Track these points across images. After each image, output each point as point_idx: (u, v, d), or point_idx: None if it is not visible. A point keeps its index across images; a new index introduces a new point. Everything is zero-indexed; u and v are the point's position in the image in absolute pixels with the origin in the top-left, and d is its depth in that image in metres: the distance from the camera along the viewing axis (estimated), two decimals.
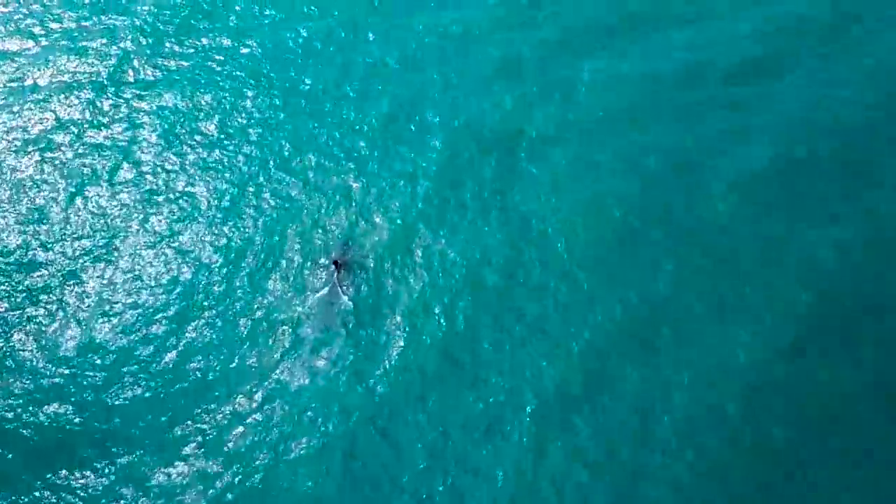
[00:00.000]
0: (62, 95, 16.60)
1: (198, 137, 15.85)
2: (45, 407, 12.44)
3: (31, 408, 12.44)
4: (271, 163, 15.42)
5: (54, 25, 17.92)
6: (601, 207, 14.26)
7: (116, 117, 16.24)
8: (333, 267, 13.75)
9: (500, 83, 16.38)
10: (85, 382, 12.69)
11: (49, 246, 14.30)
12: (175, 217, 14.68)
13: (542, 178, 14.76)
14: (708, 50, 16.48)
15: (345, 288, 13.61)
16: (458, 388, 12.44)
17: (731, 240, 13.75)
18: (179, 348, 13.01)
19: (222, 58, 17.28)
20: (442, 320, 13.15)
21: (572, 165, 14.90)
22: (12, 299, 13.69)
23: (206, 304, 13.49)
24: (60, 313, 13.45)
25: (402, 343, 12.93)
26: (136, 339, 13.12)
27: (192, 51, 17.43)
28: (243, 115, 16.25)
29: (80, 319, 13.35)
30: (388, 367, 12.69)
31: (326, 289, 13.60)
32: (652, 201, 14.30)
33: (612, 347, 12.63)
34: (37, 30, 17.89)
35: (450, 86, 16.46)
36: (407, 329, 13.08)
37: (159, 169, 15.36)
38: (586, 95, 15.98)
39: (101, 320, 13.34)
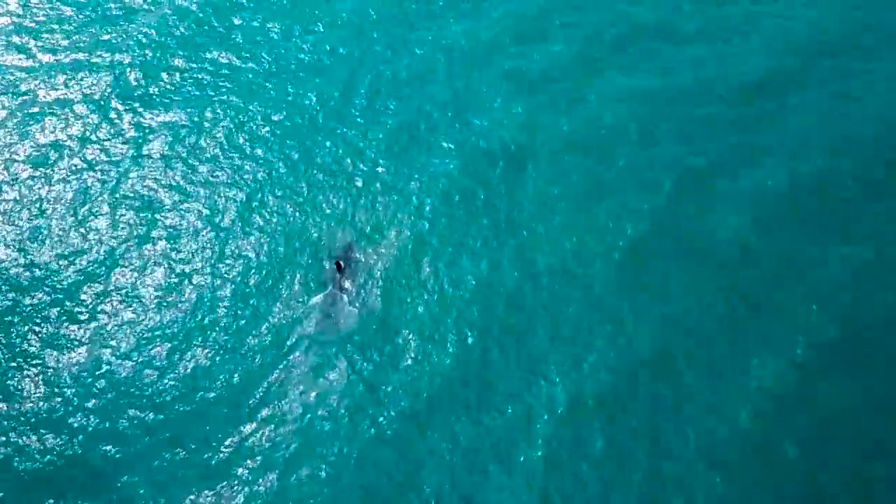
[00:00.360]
0: (63, 111, 16.43)
1: (201, 151, 15.65)
2: (43, 433, 12.06)
3: (27, 434, 12.06)
4: (276, 175, 15.21)
5: (55, 40, 17.86)
6: (612, 225, 14.01)
7: (118, 133, 16.06)
8: (335, 268, 13.58)
9: (509, 97, 16.23)
10: (84, 405, 12.32)
11: (46, 265, 14.02)
12: (177, 228, 14.45)
13: (552, 193, 14.55)
14: (719, 65, 16.36)
15: (346, 288, 13.43)
16: (464, 401, 12.14)
17: (743, 258, 13.48)
18: (181, 359, 12.70)
19: (226, 72, 17.16)
20: (449, 333, 12.87)
21: (582, 181, 14.69)
22: (8, 320, 13.38)
23: (208, 319, 13.21)
24: (58, 332, 13.15)
25: (404, 348, 12.71)
26: (138, 354, 12.80)
27: (195, 66, 17.30)
28: (248, 129, 16.08)
29: (79, 337, 13.06)
30: (393, 375, 12.41)
31: (328, 289, 13.42)
32: (663, 219, 14.06)
33: (624, 367, 12.31)
34: (38, 44, 17.82)
35: (458, 100, 16.32)
36: (410, 338, 12.84)
37: (162, 181, 15.17)
38: (596, 110, 15.81)
39: (100, 336, 13.05)
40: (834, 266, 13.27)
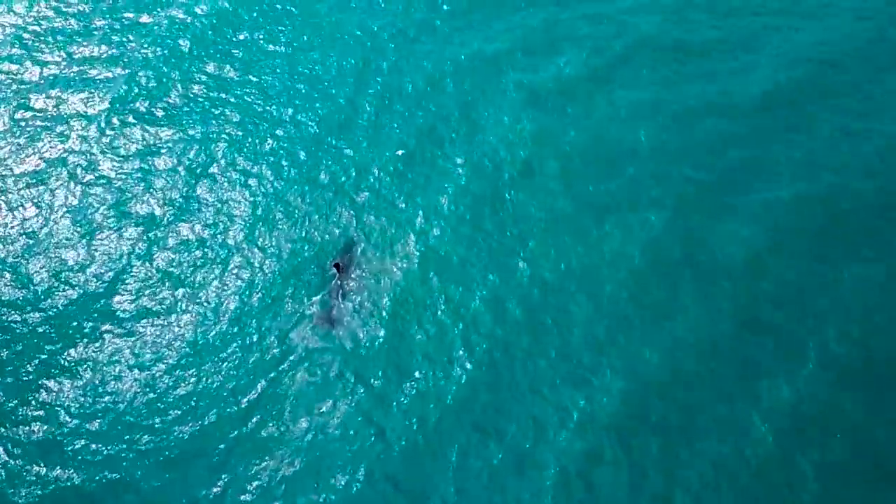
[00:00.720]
0: (64, 126, 16.37)
1: (205, 165, 15.58)
2: (39, 458, 11.89)
3: (30, 465, 11.88)
4: (280, 186, 15.10)
5: (61, 53, 17.82)
6: (621, 241, 13.82)
7: (120, 149, 15.97)
8: (335, 270, 13.49)
9: (517, 111, 16.04)
10: (83, 428, 12.18)
11: (45, 282, 13.90)
12: (180, 239, 14.41)
13: (560, 208, 14.37)
14: (728, 79, 16.13)
15: (346, 290, 13.35)
16: (472, 421, 11.96)
17: (753, 276, 13.23)
18: (181, 378, 12.58)
19: (231, 87, 17.08)
20: (455, 348, 12.70)
21: (590, 197, 14.51)
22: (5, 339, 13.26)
23: (207, 335, 13.08)
24: (56, 352, 13.02)
25: (406, 359, 12.62)
26: (138, 372, 12.69)
27: (199, 81, 17.24)
28: (252, 141, 15.96)
29: (79, 356, 12.93)
30: (396, 391, 12.26)
31: (327, 291, 13.36)
32: (672, 235, 13.84)
33: (634, 388, 12.08)
34: (43, 57, 17.78)
35: (465, 114, 16.14)
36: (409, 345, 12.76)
37: (164, 197, 15.09)
38: (604, 125, 15.61)
39: (100, 354, 12.94)
40: (846, 285, 13.02)
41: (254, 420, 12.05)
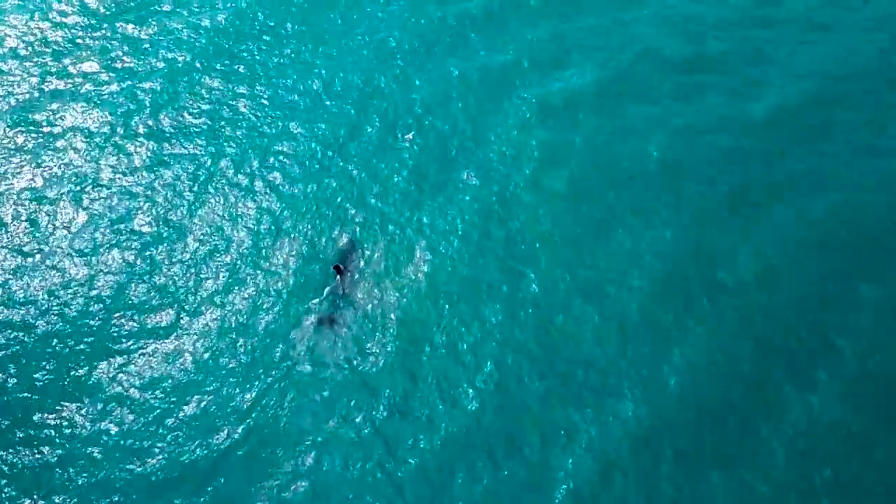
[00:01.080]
0: (68, 140, 16.14)
1: (211, 179, 15.37)
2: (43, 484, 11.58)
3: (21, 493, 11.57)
4: (286, 199, 14.92)
5: (70, 68, 17.61)
6: (633, 261, 13.49)
7: (127, 164, 15.77)
8: (336, 272, 13.39)
9: (527, 127, 15.71)
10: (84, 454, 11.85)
11: (47, 300, 13.63)
12: (187, 249, 14.25)
13: (571, 227, 14.05)
14: (743, 94, 15.85)
15: (347, 293, 13.27)
16: (483, 451, 11.60)
17: (770, 296, 12.91)
18: (183, 397, 12.38)
19: (240, 102, 16.84)
20: (463, 373, 12.42)
21: (602, 215, 14.19)
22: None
23: (209, 353, 12.84)
24: (59, 371, 12.77)
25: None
26: (143, 390, 12.44)
27: (207, 96, 17.02)
28: (259, 155, 15.74)
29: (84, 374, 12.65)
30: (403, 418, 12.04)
31: (327, 293, 13.31)
32: (686, 255, 13.53)
33: (650, 417, 11.73)
34: (42, 70, 17.60)
35: (474, 130, 15.80)
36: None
37: (167, 208, 14.91)
38: (616, 141, 15.31)
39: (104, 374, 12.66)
40: (861, 303, 12.70)
41: (255, 437, 11.82)
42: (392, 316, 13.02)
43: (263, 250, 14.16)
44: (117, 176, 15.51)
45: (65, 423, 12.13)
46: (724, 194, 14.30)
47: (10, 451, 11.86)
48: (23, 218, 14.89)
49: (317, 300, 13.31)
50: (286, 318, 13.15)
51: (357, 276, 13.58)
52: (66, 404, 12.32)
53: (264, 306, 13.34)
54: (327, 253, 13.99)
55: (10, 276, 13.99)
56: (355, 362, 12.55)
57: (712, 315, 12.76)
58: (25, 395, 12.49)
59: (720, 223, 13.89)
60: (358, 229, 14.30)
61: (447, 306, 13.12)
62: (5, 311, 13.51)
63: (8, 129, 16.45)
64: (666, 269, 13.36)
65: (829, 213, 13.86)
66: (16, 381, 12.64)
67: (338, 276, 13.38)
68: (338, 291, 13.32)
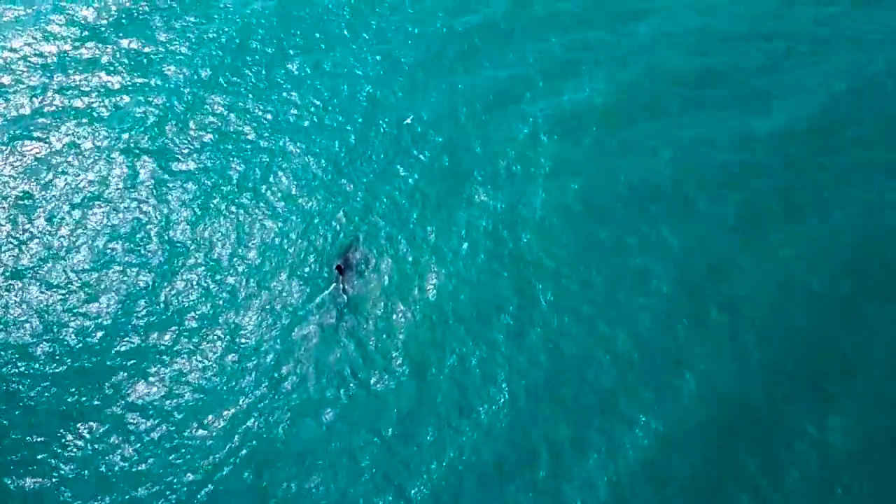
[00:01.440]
0: (74, 158, 16.05)
1: (216, 195, 15.30)
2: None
3: None
4: (294, 214, 14.84)
5: (71, 84, 17.54)
6: (647, 283, 13.25)
7: (135, 180, 15.69)
8: (337, 271, 13.58)
9: (536, 141, 15.50)
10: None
11: (60, 319, 13.54)
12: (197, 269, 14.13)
13: (582, 250, 13.82)
14: (755, 109, 15.59)
15: (347, 290, 13.45)
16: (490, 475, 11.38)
17: (783, 318, 12.62)
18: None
19: (242, 118, 16.73)
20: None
21: (615, 238, 13.92)
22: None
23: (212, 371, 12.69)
24: (67, 388, 12.64)
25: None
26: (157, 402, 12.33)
27: (216, 113, 16.92)
28: (266, 174, 15.62)
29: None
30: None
31: (329, 292, 13.51)
32: (700, 277, 13.25)
33: (662, 445, 11.46)
34: (53, 87, 17.53)
35: (483, 147, 15.61)
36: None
37: (175, 229, 14.80)
38: (627, 158, 15.04)
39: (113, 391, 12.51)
40: (883, 326, 12.37)
41: (258, 456, 11.72)
42: (399, 336, 12.87)
43: (267, 265, 14.06)
44: (120, 191, 15.40)
45: (64, 446, 11.97)
46: (736, 211, 14.06)
47: (9, 474, 11.70)
48: (22, 235, 14.75)
49: (319, 298, 13.41)
50: (288, 332, 13.10)
51: (359, 277, 13.65)
52: (66, 426, 12.17)
53: (268, 321, 13.30)
54: (332, 267, 13.90)
55: (10, 295, 13.86)
56: (360, 376, 12.50)
57: (724, 335, 12.52)
58: (23, 415, 12.36)
59: (731, 241, 13.65)
60: (361, 237, 14.27)
61: (452, 321, 12.97)
62: (4, 330, 13.36)
63: (8, 145, 16.34)
64: (676, 287, 13.13)
65: (843, 230, 13.59)
66: (14, 402, 12.51)
67: (339, 276, 13.55)
68: (339, 288, 13.50)
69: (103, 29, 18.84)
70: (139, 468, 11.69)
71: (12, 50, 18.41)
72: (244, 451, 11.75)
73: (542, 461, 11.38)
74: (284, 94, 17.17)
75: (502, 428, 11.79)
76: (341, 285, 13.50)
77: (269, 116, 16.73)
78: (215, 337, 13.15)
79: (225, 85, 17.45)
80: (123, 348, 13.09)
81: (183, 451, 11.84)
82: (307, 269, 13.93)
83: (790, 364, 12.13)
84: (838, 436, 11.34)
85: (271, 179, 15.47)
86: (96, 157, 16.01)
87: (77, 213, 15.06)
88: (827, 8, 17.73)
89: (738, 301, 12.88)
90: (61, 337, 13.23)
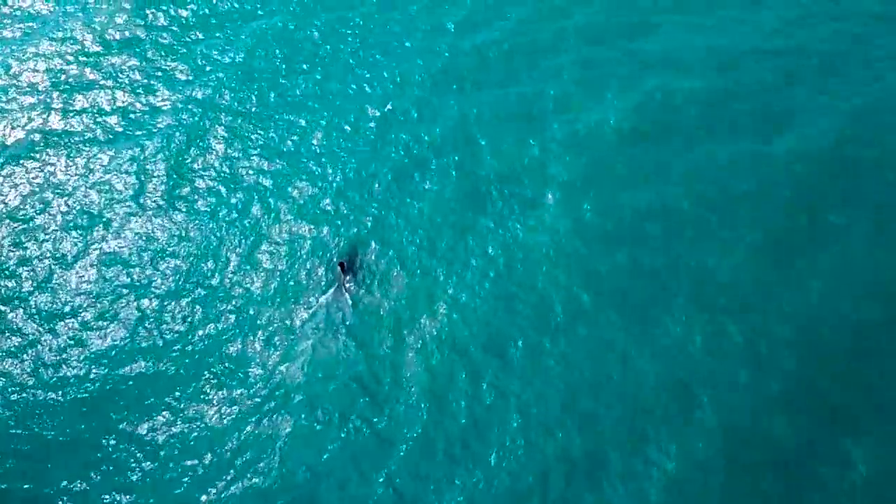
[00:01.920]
0: (79, 180, 15.92)
1: (227, 214, 15.20)
2: None
3: None
4: (301, 244, 14.64)
5: (76, 106, 17.41)
6: (665, 315, 13.01)
7: (150, 199, 15.60)
8: (339, 270, 13.76)
9: (551, 169, 15.23)
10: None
11: (74, 338, 13.41)
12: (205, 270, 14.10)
13: (600, 274, 13.64)
14: (777, 133, 15.34)
15: (349, 288, 13.62)
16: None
17: (812, 351, 12.37)
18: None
19: (257, 138, 16.59)
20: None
21: (634, 267, 13.66)
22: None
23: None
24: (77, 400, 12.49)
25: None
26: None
27: (226, 134, 16.78)
28: (277, 185, 15.58)
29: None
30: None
31: (332, 289, 13.66)
32: (725, 307, 13.00)
33: (687, 477, 11.23)
34: (58, 109, 17.36)
35: (501, 171, 15.35)
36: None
37: (182, 254, 14.65)
38: (645, 183, 14.81)
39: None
40: None
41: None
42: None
43: (273, 284, 14.01)
44: (128, 216, 15.23)
45: (72, 479, 11.77)
46: (753, 234, 13.84)
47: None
48: (28, 261, 14.57)
49: (323, 295, 13.59)
50: (291, 348, 13.11)
51: (366, 288, 13.68)
52: (75, 459, 11.98)
53: (272, 339, 13.29)
54: (335, 264, 14.09)
55: (17, 322, 13.68)
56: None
57: (744, 361, 12.30)
58: (33, 448, 12.16)
59: (754, 265, 13.43)
60: (369, 252, 14.23)
61: (459, 341, 12.89)
62: (11, 361, 13.18)
63: (8, 166, 16.16)
64: (694, 311, 12.90)
65: (865, 256, 13.35)
66: (22, 433, 12.33)
67: (342, 274, 13.75)
68: (341, 285, 13.68)
69: (106, 51, 18.66)
70: (144, 491, 11.60)
71: (13, 70, 18.25)
72: (243, 481, 11.62)
73: (556, 483, 11.26)
74: (288, 115, 16.98)
75: (514, 458, 11.63)
76: (343, 284, 13.62)
77: (273, 135, 16.56)
78: (221, 365, 13.05)
79: (237, 107, 17.26)
80: (127, 372, 12.99)
81: (185, 481, 11.75)
82: (312, 287, 13.86)
83: (814, 394, 11.92)
84: (862, 469, 11.11)
85: (278, 197, 15.34)
86: (98, 180, 15.84)
87: (80, 237, 14.90)
88: (839, 24, 17.57)
89: (759, 326, 12.67)
90: (63, 363, 13.09)
